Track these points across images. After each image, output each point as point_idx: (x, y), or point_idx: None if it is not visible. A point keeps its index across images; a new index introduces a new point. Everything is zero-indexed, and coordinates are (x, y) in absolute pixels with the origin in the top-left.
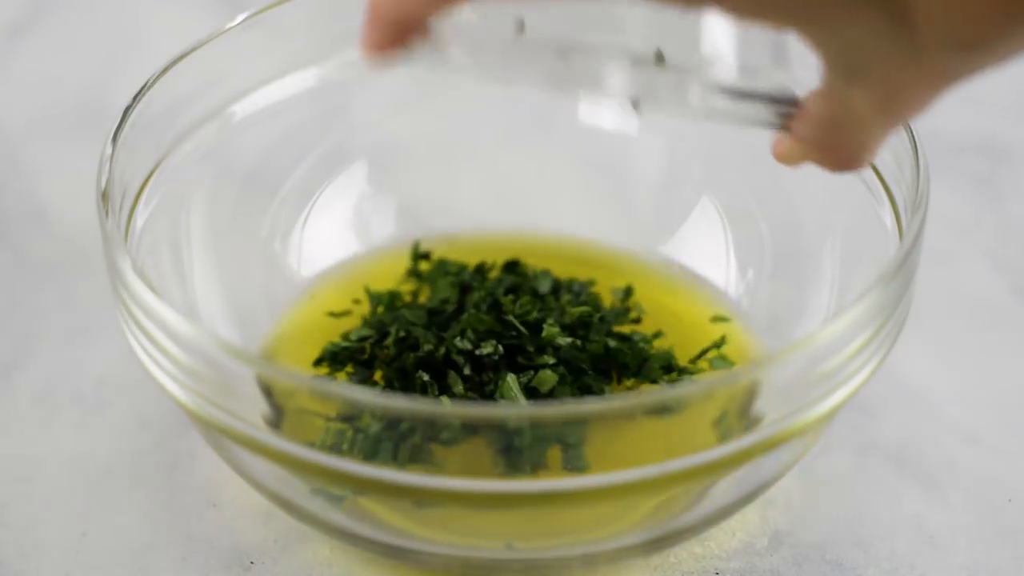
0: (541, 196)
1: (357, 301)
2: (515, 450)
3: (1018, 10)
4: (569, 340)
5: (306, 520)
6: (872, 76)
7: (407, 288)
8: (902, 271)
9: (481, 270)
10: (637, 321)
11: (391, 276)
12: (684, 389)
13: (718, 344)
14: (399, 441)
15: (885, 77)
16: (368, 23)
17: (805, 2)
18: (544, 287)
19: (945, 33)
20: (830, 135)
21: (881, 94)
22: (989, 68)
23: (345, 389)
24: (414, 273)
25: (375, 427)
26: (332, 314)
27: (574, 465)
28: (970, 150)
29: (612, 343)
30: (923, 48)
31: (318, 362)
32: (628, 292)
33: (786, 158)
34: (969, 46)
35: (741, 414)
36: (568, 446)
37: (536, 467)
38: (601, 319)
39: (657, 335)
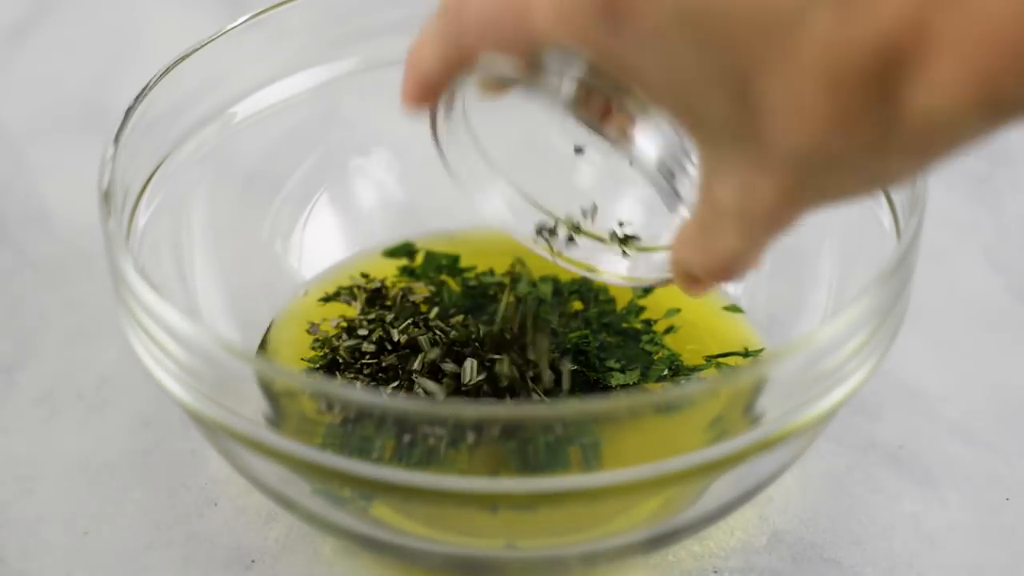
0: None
1: (359, 287)
2: (528, 451)
3: (855, 119)
4: (570, 367)
5: (307, 519)
6: (729, 177)
7: (397, 285)
8: (900, 271)
9: (486, 284)
10: (648, 322)
11: (390, 276)
12: (690, 388)
13: (746, 353)
14: (408, 443)
15: (741, 182)
16: (404, 81)
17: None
18: (546, 292)
19: (784, 136)
20: (696, 237)
21: (737, 197)
22: (852, 195)
23: (355, 393)
24: (406, 271)
25: (384, 429)
26: (324, 299)
27: (590, 464)
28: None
29: (613, 363)
30: (768, 151)
31: (314, 371)
32: (649, 288)
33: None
34: (809, 157)
35: (744, 412)
36: (583, 446)
37: (554, 467)
38: (600, 346)
39: (669, 331)
